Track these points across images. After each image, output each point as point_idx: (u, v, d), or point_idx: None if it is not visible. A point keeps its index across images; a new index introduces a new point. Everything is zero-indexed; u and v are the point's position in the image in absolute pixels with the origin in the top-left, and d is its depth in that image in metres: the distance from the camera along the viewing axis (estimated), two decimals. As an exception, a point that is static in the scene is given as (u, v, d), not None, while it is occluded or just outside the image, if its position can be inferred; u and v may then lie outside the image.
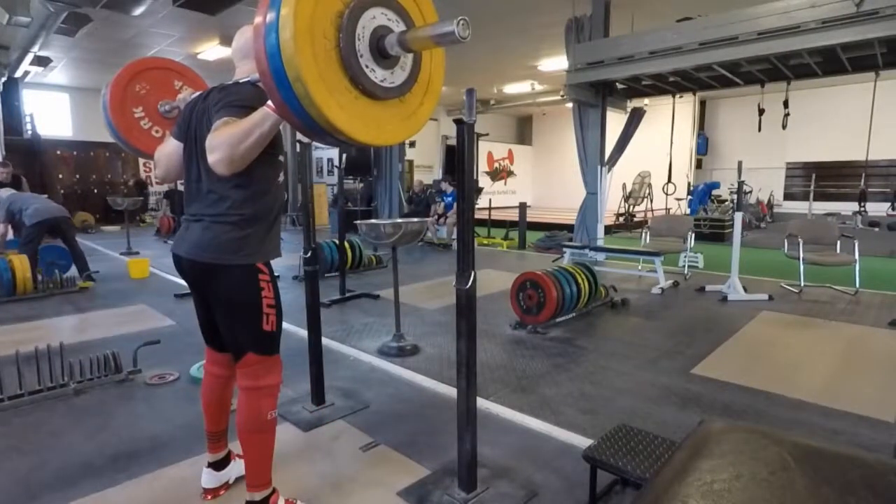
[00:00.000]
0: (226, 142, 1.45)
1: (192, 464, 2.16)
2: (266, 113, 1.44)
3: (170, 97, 2.38)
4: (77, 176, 13.08)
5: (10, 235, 5.70)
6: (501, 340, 3.88)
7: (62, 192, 12.31)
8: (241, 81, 1.69)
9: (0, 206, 5.39)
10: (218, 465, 1.98)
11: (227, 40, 8.85)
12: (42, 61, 9.11)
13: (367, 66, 1.31)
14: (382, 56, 1.34)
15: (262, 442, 1.75)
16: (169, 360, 3.37)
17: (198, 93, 1.94)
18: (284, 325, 4.58)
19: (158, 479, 2.10)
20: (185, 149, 1.77)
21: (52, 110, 12.82)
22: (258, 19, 1.23)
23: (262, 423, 1.73)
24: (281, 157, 1.82)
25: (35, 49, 7.37)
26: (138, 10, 6.14)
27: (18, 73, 8.75)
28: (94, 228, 11.89)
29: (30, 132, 11.07)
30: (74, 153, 13.14)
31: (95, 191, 13.37)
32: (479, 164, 16.47)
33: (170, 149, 1.81)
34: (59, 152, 12.76)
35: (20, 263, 5.12)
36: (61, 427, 2.54)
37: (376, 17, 1.31)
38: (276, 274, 1.80)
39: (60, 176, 12.68)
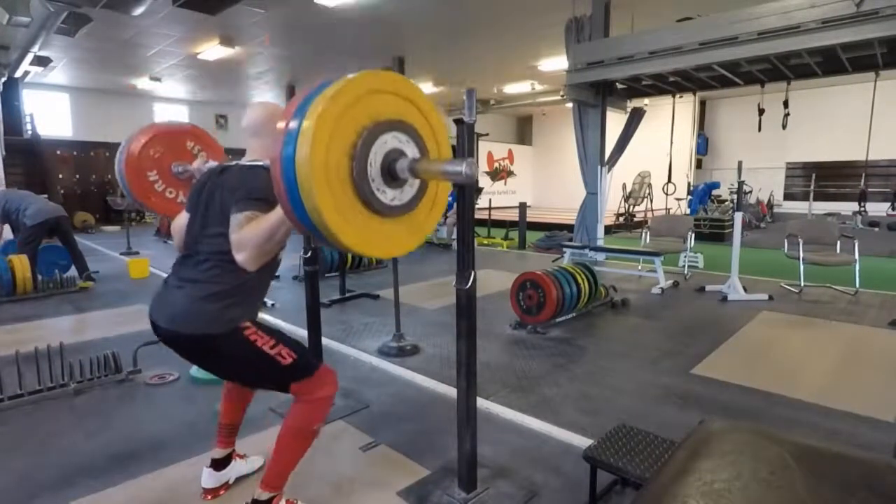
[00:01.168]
0: (253, 242, 1.51)
1: (192, 464, 2.16)
2: None
3: (183, 158, 2.41)
4: (77, 176, 13.09)
5: (10, 235, 5.69)
6: (501, 340, 3.88)
7: (62, 192, 12.32)
8: (256, 165, 1.70)
9: None
10: (219, 465, 1.98)
11: (226, 40, 8.86)
12: (42, 61, 9.11)
13: (377, 189, 1.36)
14: (392, 178, 1.38)
15: (298, 448, 1.78)
16: (169, 360, 3.35)
17: (212, 164, 1.98)
18: (285, 325, 4.58)
19: (158, 479, 2.10)
20: (189, 218, 1.78)
21: (52, 110, 12.82)
22: (276, 149, 1.28)
23: (307, 432, 1.76)
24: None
25: (35, 49, 7.37)
26: (138, 10, 6.13)
27: (18, 73, 8.75)
28: (94, 228, 11.89)
29: (30, 132, 11.08)
30: (74, 153, 13.15)
31: (95, 191, 13.38)
32: (479, 164, 16.45)
33: (183, 221, 1.83)
34: (59, 152, 12.77)
35: (20, 263, 5.12)
36: (61, 427, 2.55)
37: (388, 141, 1.36)
38: (276, 274, 1.81)
39: (60, 176, 12.68)
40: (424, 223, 1.55)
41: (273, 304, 4.95)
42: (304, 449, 1.78)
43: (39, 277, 5.30)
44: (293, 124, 1.27)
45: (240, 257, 1.52)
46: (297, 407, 1.74)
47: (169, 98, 14.47)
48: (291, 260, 5.95)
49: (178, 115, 15.04)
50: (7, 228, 5.73)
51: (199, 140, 2.51)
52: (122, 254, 8.09)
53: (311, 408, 1.74)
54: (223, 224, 1.62)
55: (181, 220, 1.84)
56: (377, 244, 1.41)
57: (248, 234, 1.51)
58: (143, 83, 12.20)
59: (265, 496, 1.76)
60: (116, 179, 2.48)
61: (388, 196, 1.39)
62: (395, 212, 1.42)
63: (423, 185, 1.51)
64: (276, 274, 1.86)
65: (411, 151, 1.42)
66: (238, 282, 1.63)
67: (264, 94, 14.35)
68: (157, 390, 2.99)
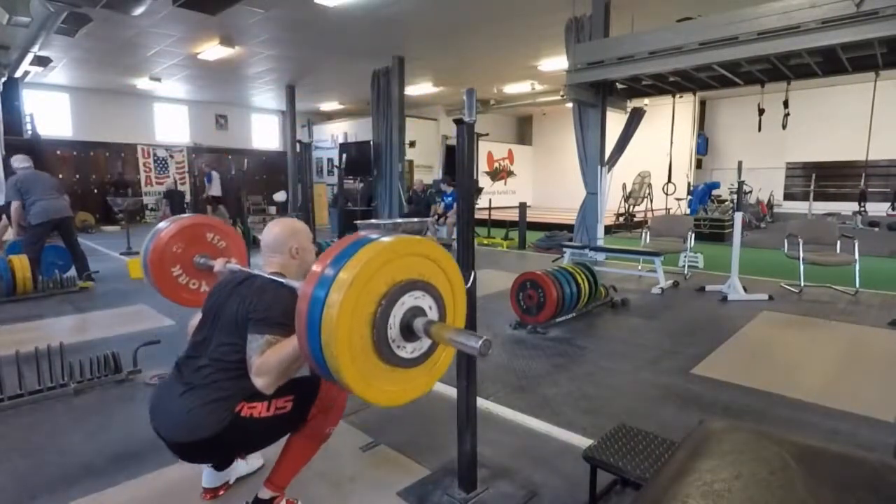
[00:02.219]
0: (276, 367, 1.53)
1: (191, 464, 2.16)
2: None
3: (204, 250, 2.45)
4: (77, 176, 13.09)
5: (12, 236, 5.68)
6: (501, 340, 3.88)
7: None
8: (277, 282, 1.69)
9: (10, 186, 5.27)
10: (219, 465, 1.98)
11: (226, 40, 8.86)
12: (42, 61, 9.10)
13: (398, 347, 1.38)
14: (410, 332, 1.39)
15: (307, 449, 1.80)
16: (169, 360, 3.33)
17: (234, 265, 2.04)
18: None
19: (158, 479, 2.10)
20: (200, 321, 1.78)
21: (52, 110, 12.82)
22: (307, 289, 1.29)
23: (319, 434, 1.78)
24: None
25: (35, 49, 7.35)
26: (138, 10, 6.12)
27: (18, 73, 8.73)
28: (94, 228, 11.89)
29: (30, 132, 11.06)
30: (74, 153, 13.15)
31: (95, 191, 13.38)
32: (479, 164, 16.47)
33: (196, 321, 1.84)
34: (59, 152, 12.77)
35: (20, 263, 5.12)
36: (61, 427, 2.55)
37: (405, 301, 1.37)
38: None
39: (60, 176, 12.66)
40: (440, 363, 1.55)
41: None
42: (313, 451, 1.81)
43: (40, 277, 5.30)
44: (330, 270, 1.28)
45: (259, 382, 1.54)
46: (315, 421, 1.76)
47: (169, 98, 14.47)
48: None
49: (178, 115, 15.06)
50: (9, 229, 5.72)
51: (217, 230, 2.54)
52: (122, 254, 8.09)
53: (325, 414, 1.77)
54: (231, 335, 1.64)
55: (195, 320, 1.85)
56: (399, 394, 1.44)
57: (272, 359, 1.53)
58: (143, 83, 12.20)
59: (268, 495, 1.77)
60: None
61: (408, 350, 1.41)
62: (415, 363, 1.44)
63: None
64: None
65: (428, 304, 1.42)
66: (237, 388, 1.61)
67: (264, 94, 14.37)
68: (157, 390, 2.99)
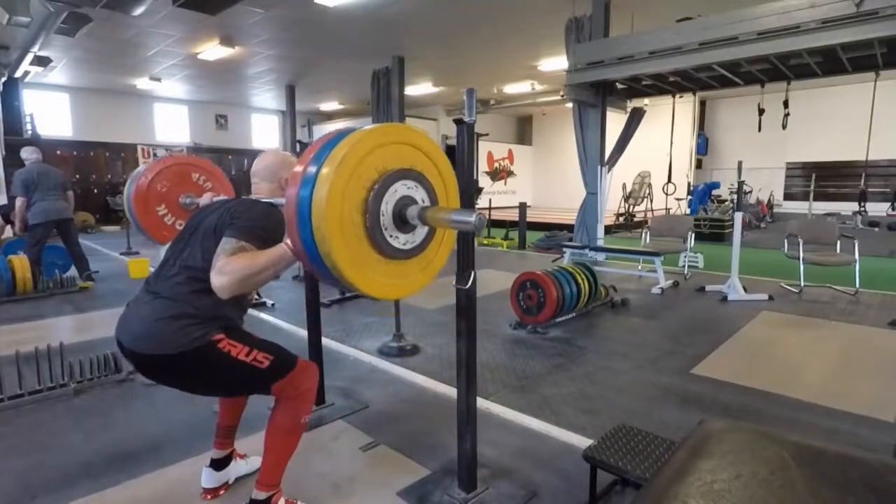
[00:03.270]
0: (239, 272, 1.45)
1: (192, 464, 2.16)
2: (283, 253, 1.47)
3: (189, 190, 2.45)
4: (77, 176, 13.07)
5: (10, 234, 5.68)
6: (501, 340, 3.88)
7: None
8: (266, 202, 1.70)
9: (16, 180, 5.28)
10: (219, 465, 1.98)
11: (226, 40, 8.86)
12: (42, 61, 9.10)
13: (391, 236, 1.41)
14: (404, 222, 1.42)
15: (287, 443, 1.76)
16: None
17: (221, 198, 2.01)
18: (285, 325, 4.58)
19: (158, 479, 2.10)
20: (178, 234, 1.74)
21: (52, 110, 12.81)
22: (292, 191, 1.31)
23: (295, 426, 1.74)
24: None
25: (35, 49, 7.36)
26: (138, 10, 6.13)
27: (18, 73, 8.74)
28: (94, 228, 11.89)
29: (30, 132, 11.06)
30: (74, 153, 13.14)
31: (95, 191, 13.38)
32: (479, 164, 16.46)
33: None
34: (59, 152, 12.76)
35: (20, 263, 5.12)
36: (61, 427, 2.55)
37: (398, 189, 1.40)
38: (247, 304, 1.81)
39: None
40: (435, 261, 1.59)
41: (273, 304, 4.95)
42: (294, 444, 1.76)
43: (41, 277, 5.30)
44: (311, 168, 1.29)
45: (216, 281, 1.45)
46: (282, 405, 1.72)
47: (169, 98, 14.47)
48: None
49: (178, 115, 15.06)
50: (7, 228, 5.71)
51: (205, 171, 2.54)
52: (122, 254, 8.09)
53: (296, 403, 1.72)
54: (207, 240, 1.60)
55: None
56: (391, 288, 1.46)
57: (235, 263, 1.46)
58: (143, 83, 12.20)
59: (263, 496, 1.75)
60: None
61: (401, 241, 1.43)
62: (408, 255, 1.46)
63: (433, 228, 1.55)
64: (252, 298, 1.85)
65: (420, 196, 1.46)
66: (201, 303, 1.56)
67: (264, 94, 14.37)
68: (157, 390, 2.99)
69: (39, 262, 5.38)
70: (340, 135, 1.36)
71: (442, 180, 1.55)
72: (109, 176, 13.60)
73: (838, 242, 5.55)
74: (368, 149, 1.34)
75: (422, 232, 1.48)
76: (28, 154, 5.47)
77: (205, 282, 1.51)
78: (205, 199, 2.14)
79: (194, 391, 1.80)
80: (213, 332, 1.58)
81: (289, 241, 1.45)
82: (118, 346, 1.63)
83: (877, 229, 11.19)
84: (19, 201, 5.27)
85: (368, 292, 1.39)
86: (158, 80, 11.88)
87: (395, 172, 1.40)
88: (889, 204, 12.46)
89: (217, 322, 1.60)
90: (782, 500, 0.60)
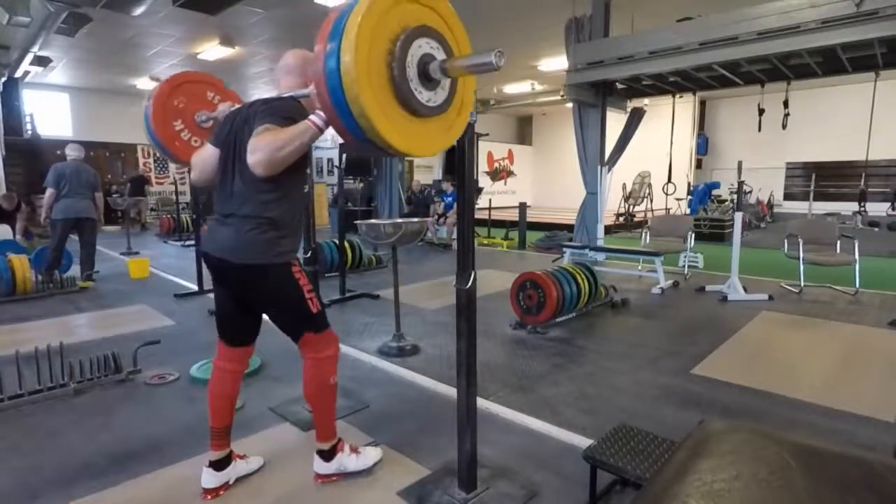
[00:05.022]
0: (268, 146, 1.59)
1: (192, 464, 2.16)
2: (308, 126, 1.60)
3: (204, 108, 2.53)
4: (77, 176, 13.05)
5: (9, 235, 5.68)
6: (501, 340, 3.88)
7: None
8: (283, 95, 1.84)
9: (51, 172, 5.45)
10: (219, 465, 1.98)
11: (226, 40, 8.86)
12: (42, 61, 9.10)
13: (416, 90, 1.48)
14: (427, 79, 1.50)
15: (326, 401, 1.97)
16: (169, 360, 3.36)
17: (238, 105, 2.11)
18: (284, 325, 4.53)
19: (158, 479, 2.10)
20: (221, 153, 1.88)
21: (52, 110, 12.81)
22: (319, 66, 1.38)
23: (327, 387, 1.95)
24: (308, 170, 1.95)
25: (35, 49, 7.36)
26: (138, 10, 6.13)
27: (18, 73, 8.75)
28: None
29: (30, 132, 11.06)
30: (74, 153, 13.12)
31: (95, 191, 13.35)
32: (479, 164, 16.47)
33: (206, 154, 1.94)
34: (59, 152, 12.71)
35: (20, 263, 5.12)
36: (61, 427, 2.55)
37: (422, 45, 1.48)
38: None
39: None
40: (455, 123, 1.67)
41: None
42: (332, 400, 1.98)
43: (40, 277, 5.31)
44: (332, 40, 1.35)
45: (250, 159, 1.60)
46: (308, 369, 1.92)
47: (169, 98, 14.46)
48: (291, 260, 5.95)
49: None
50: (7, 228, 5.71)
51: (218, 90, 2.64)
52: (122, 254, 8.09)
53: (320, 365, 1.91)
54: (249, 137, 1.70)
55: (204, 152, 1.94)
56: (417, 143, 1.53)
57: (262, 140, 1.60)
58: (143, 83, 12.19)
59: (325, 446, 2.00)
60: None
61: (425, 97, 1.50)
62: (432, 112, 1.53)
63: (454, 88, 1.61)
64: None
65: (440, 55, 1.53)
66: (273, 213, 1.77)
67: (264, 95, 14.34)
68: (157, 390, 2.99)
69: (58, 267, 5.53)
70: None
71: (457, 44, 1.61)
72: (109, 176, 13.58)
73: (838, 242, 5.55)
74: (390, 3, 1.41)
75: (443, 93, 1.55)
76: (70, 150, 5.69)
77: (269, 192, 1.74)
78: (223, 108, 2.24)
79: (253, 306, 1.95)
80: (292, 255, 1.84)
81: (313, 118, 1.58)
82: (204, 259, 1.87)
83: (877, 229, 11.19)
84: (48, 193, 5.44)
85: (389, 138, 1.42)
86: (158, 80, 11.86)
87: (416, 28, 1.46)
88: (889, 204, 12.46)
89: (292, 235, 1.85)
90: (782, 500, 0.60)
